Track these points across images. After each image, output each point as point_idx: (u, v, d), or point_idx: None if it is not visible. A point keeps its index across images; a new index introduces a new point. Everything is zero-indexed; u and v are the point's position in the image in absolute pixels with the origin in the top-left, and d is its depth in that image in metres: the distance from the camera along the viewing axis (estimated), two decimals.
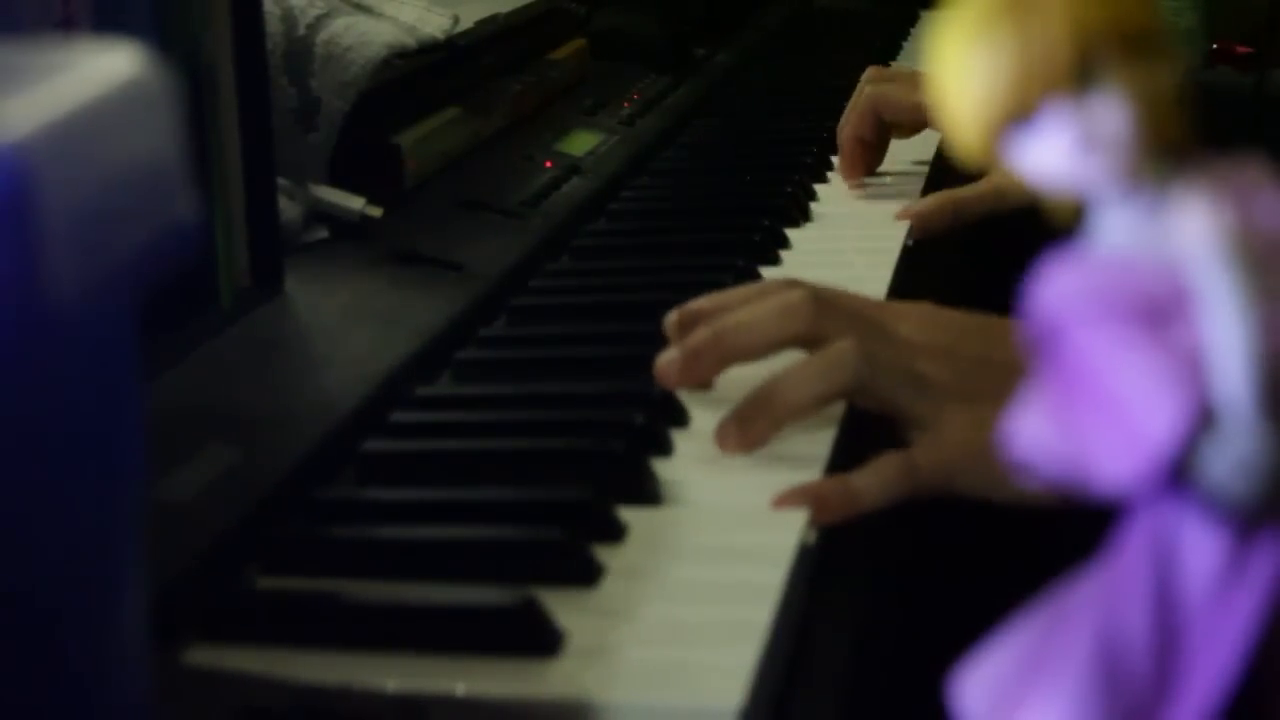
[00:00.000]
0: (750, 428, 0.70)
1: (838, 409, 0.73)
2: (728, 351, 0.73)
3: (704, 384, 0.75)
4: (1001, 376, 0.70)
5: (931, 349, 0.73)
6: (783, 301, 0.73)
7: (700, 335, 0.73)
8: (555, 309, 0.91)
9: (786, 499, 0.65)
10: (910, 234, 1.06)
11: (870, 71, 1.20)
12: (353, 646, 0.56)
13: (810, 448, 0.71)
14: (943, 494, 0.69)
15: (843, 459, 0.71)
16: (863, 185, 1.17)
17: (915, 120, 1.16)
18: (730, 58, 1.62)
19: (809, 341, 0.72)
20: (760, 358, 0.73)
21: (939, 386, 0.71)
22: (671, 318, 0.75)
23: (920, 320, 0.75)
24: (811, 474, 0.68)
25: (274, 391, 0.73)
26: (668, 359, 0.73)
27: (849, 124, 1.17)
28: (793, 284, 0.76)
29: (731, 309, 0.74)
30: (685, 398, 0.75)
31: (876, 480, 0.68)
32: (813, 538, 0.64)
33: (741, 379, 0.75)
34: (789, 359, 0.73)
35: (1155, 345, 0.33)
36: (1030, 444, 0.35)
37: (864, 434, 0.73)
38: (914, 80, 1.17)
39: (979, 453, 0.68)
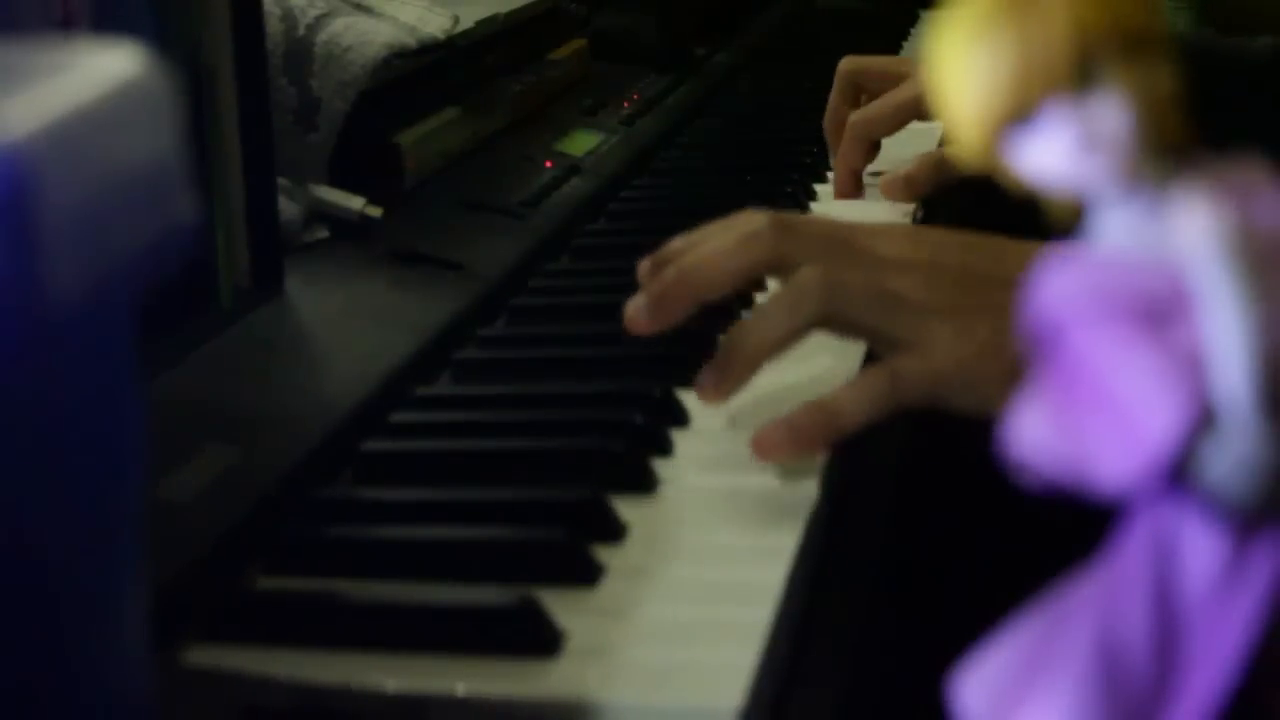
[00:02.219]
0: (726, 374, 0.69)
1: None
2: (694, 289, 0.70)
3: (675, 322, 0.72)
4: (986, 288, 0.68)
5: (907, 263, 0.70)
6: (744, 230, 0.71)
7: (665, 276, 0.71)
8: (555, 309, 0.91)
9: (763, 437, 0.63)
10: (900, 198, 1.07)
11: (844, 64, 1.18)
12: (353, 646, 0.56)
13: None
14: (931, 407, 0.66)
15: (843, 458, 0.71)
16: (862, 185, 1.17)
17: (907, 122, 1.16)
18: (730, 58, 1.62)
19: (776, 269, 0.70)
20: (728, 291, 0.71)
21: (918, 303, 0.68)
22: (644, 264, 0.73)
23: (897, 237, 0.72)
24: (812, 472, 0.68)
25: (274, 391, 0.73)
26: (636, 305, 0.70)
27: (840, 161, 1.15)
28: (757, 212, 0.73)
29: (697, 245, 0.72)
30: (685, 397, 0.75)
31: (858, 394, 0.65)
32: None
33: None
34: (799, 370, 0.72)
35: (1155, 345, 0.33)
36: (1030, 444, 0.35)
37: (864, 435, 0.73)
38: (893, 79, 1.15)
39: (967, 366, 0.66)
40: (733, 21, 1.76)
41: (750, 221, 0.71)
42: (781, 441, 0.65)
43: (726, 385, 0.69)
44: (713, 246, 0.71)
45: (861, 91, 1.19)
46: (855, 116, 1.15)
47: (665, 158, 1.27)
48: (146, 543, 0.39)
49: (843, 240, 0.71)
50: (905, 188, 1.07)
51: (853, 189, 1.15)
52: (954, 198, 1.11)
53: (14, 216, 0.32)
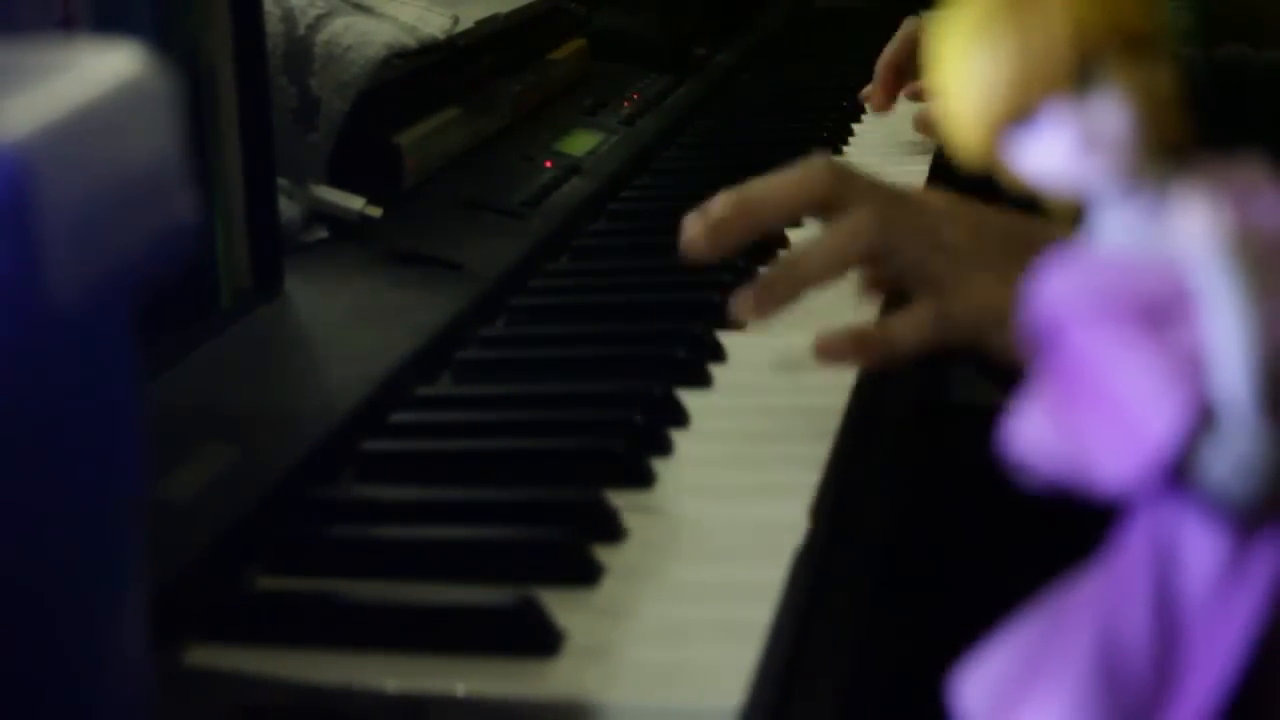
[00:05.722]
0: (771, 294, 0.70)
1: (834, 417, 0.73)
2: (751, 218, 0.72)
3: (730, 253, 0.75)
4: (1025, 248, 0.70)
5: (955, 215, 0.73)
6: (804, 169, 0.73)
7: (723, 203, 0.72)
8: (555, 309, 0.91)
9: (828, 342, 0.67)
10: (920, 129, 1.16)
11: (907, 24, 1.29)
12: (353, 646, 0.56)
13: (810, 449, 0.70)
14: (972, 349, 0.69)
15: (842, 459, 0.71)
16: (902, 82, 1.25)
17: None
18: (730, 58, 1.62)
19: (830, 206, 0.72)
20: (784, 222, 0.76)
21: (962, 251, 0.71)
22: (689, 219, 0.75)
23: (944, 197, 0.76)
24: (811, 474, 0.68)
25: (274, 391, 0.73)
26: (693, 230, 0.72)
27: (886, 52, 1.26)
28: (819, 156, 0.77)
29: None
30: (686, 397, 0.75)
31: (910, 325, 0.69)
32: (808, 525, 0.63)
33: (739, 383, 0.75)
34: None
35: (1155, 345, 0.33)
36: (1030, 444, 0.35)
37: (863, 434, 0.73)
38: None
39: (1004, 310, 0.68)
40: (733, 21, 1.76)
41: (810, 161, 0.74)
42: (844, 350, 0.68)
43: (769, 305, 0.70)
44: (773, 180, 0.73)
45: (918, 50, 1.26)
46: (911, 20, 1.25)
47: (665, 158, 1.27)
48: (146, 543, 0.39)
49: (895, 191, 0.74)
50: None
51: (891, 88, 1.24)
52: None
53: (14, 216, 0.32)
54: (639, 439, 0.70)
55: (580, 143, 1.22)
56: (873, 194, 0.72)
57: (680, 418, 0.74)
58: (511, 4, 1.23)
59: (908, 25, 1.27)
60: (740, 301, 0.70)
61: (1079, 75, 0.34)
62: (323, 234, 0.94)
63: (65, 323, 0.34)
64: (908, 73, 1.25)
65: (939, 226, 0.72)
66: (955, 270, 0.70)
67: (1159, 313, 0.33)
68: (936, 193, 0.76)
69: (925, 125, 1.21)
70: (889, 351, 0.68)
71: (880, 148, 1.29)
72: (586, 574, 0.60)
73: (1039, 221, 0.73)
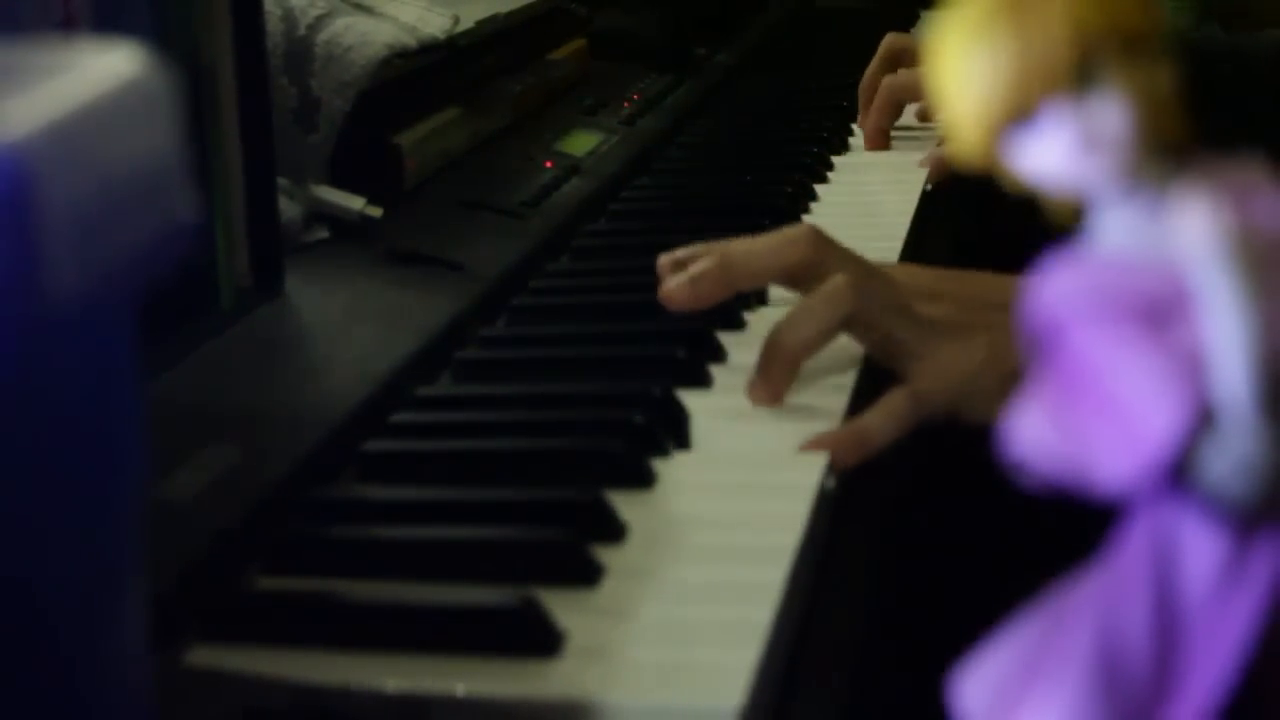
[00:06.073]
0: (773, 376, 0.74)
1: (834, 418, 0.73)
2: (732, 276, 0.77)
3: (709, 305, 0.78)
4: (981, 310, 0.76)
5: (920, 291, 0.77)
6: (785, 236, 0.78)
7: (706, 260, 0.77)
8: (555, 309, 0.91)
9: (808, 447, 0.69)
10: (929, 178, 1.17)
11: (888, 40, 1.33)
12: (353, 646, 0.56)
13: (809, 452, 0.70)
14: (947, 420, 0.72)
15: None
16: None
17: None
18: (730, 58, 1.62)
19: (808, 272, 0.76)
20: (762, 284, 0.79)
21: (931, 322, 0.75)
22: (664, 259, 0.78)
23: (905, 270, 0.81)
24: (811, 474, 0.68)
25: (274, 391, 0.73)
26: (675, 282, 0.76)
27: (871, 118, 1.28)
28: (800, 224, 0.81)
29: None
30: (686, 397, 0.75)
31: (885, 416, 0.71)
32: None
33: (739, 384, 0.75)
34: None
35: (1155, 345, 0.33)
36: (1030, 444, 0.35)
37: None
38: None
39: (978, 378, 0.72)
40: (733, 21, 1.76)
41: (790, 227, 0.79)
42: (821, 452, 0.69)
43: (776, 386, 0.74)
44: (756, 242, 0.78)
45: (899, 65, 1.31)
46: (890, 80, 1.28)
47: (665, 158, 1.27)
48: (146, 543, 0.39)
49: (868, 264, 0.78)
50: (939, 167, 1.18)
51: (881, 143, 1.29)
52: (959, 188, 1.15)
53: (14, 216, 0.32)
54: (639, 439, 0.70)
55: (580, 143, 1.22)
56: (848, 263, 0.77)
57: (680, 418, 0.74)
58: (511, 4, 1.23)
59: (891, 80, 1.29)
60: (751, 393, 0.74)
61: (1079, 75, 0.34)
62: (323, 234, 0.94)
63: (65, 323, 0.34)
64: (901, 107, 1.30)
65: (909, 300, 0.76)
66: (926, 341, 0.74)
67: (1159, 313, 0.33)
68: (905, 268, 0.81)
69: (926, 116, 1.27)
70: (868, 449, 0.70)
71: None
72: (586, 574, 0.60)
73: (1004, 281, 0.78)
